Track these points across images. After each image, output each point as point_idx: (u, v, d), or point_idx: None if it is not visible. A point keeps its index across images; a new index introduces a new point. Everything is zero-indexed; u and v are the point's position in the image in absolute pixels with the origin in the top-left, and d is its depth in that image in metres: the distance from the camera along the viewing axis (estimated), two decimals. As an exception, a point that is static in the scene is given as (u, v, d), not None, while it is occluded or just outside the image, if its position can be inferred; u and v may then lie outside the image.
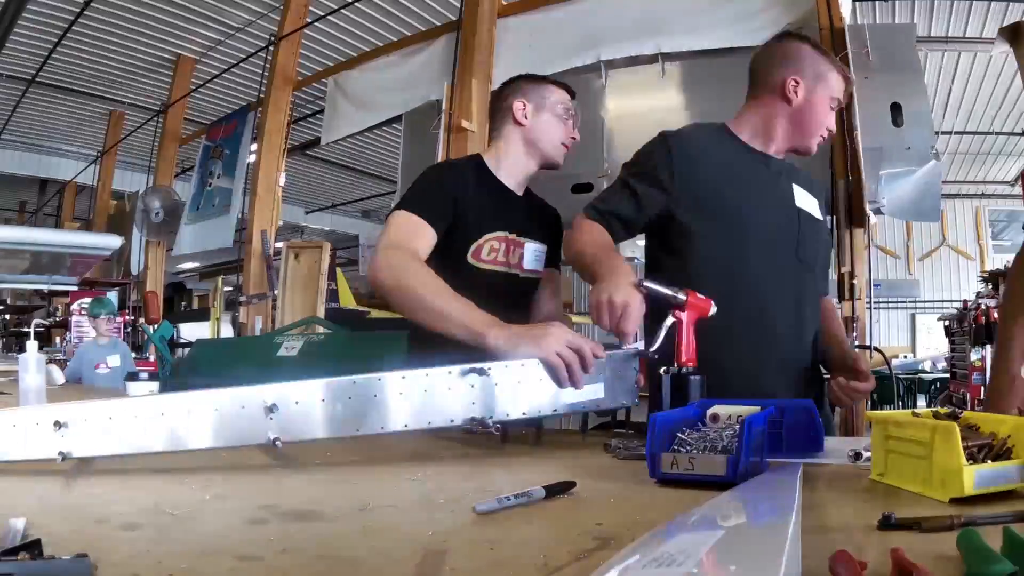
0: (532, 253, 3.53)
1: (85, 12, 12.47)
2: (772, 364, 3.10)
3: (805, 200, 3.28)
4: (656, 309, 2.69)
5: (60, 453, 1.98)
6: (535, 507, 1.71)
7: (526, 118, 3.56)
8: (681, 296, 2.64)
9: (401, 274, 2.97)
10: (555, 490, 1.74)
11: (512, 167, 3.59)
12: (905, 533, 1.38)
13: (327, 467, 2.19)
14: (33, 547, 1.28)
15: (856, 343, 6.20)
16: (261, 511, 1.73)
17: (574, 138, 3.60)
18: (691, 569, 0.98)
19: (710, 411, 2.15)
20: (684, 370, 2.62)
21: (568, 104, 3.57)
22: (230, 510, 1.79)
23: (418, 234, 3.17)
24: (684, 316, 2.63)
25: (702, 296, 2.69)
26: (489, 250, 3.39)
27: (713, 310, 2.71)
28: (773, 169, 3.29)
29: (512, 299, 3.40)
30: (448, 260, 3.21)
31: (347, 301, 13.15)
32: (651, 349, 2.63)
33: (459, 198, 3.34)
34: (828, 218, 3.38)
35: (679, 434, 2.08)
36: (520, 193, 3.63)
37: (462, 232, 3.33)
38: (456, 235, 3.31)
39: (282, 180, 11.56)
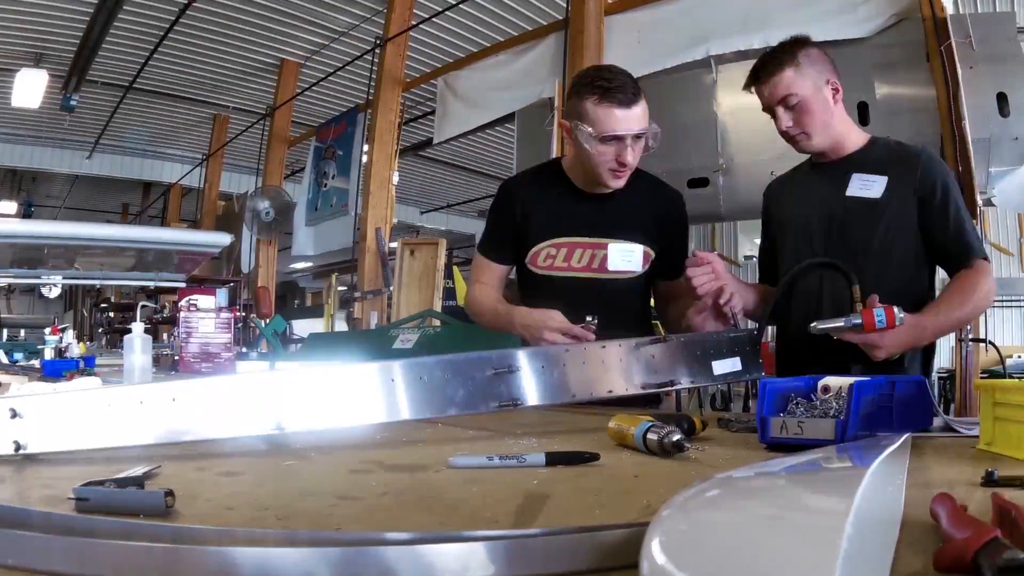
0: (619, 253, 3.56)
1: (181, 20, 12.71)
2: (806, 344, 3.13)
3: (863, 185, 3.35)
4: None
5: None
6: (648, 462, 1.82)
7: (569, 137, 3.47)
8: (857, 320, 2.77)
9: (474, 309, 3.84)
10: (559, 459, 1.79)
11: (579, 174, 3.61)
12: (1008, 490, 1.41)
13: (432, 442, 2.28)
14: (134, 481, 1.44)
15: (970, 336, 6.13)
16: (365, 464, 1.85)
17: (622, 163, 3.35)
18: (770, 494, 1.06)
19: (821, 383, 2.17)
20: None
21: (604, 130, 3.27)
22: (335, 463, 1.92)
23: (485, 273, 3.83)
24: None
25: (880, 307, 2.79)
26: (544, 256, 3.64)
27: (900, 316, 2.78)
28: (827, 172, 3.47)
29: (585, 301, 3.39)
30: (520, 267, 3.74)
31: (464, 299, 13.19)
32: None
33: (516, 220, 3.70)
34: (919, 192, 3.26)
35: (790, 403, 2.13)
36: (608, 190, 3.52)
37: (525, 240, 3.70)
38: (522, 243, 3.69)
39: (395, 179, 11.64)
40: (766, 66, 3.36)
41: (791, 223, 3.58)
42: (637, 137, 3.32)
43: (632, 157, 3.34)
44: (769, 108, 3.38)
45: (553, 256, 3.60)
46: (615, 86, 3.26)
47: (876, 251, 3.28)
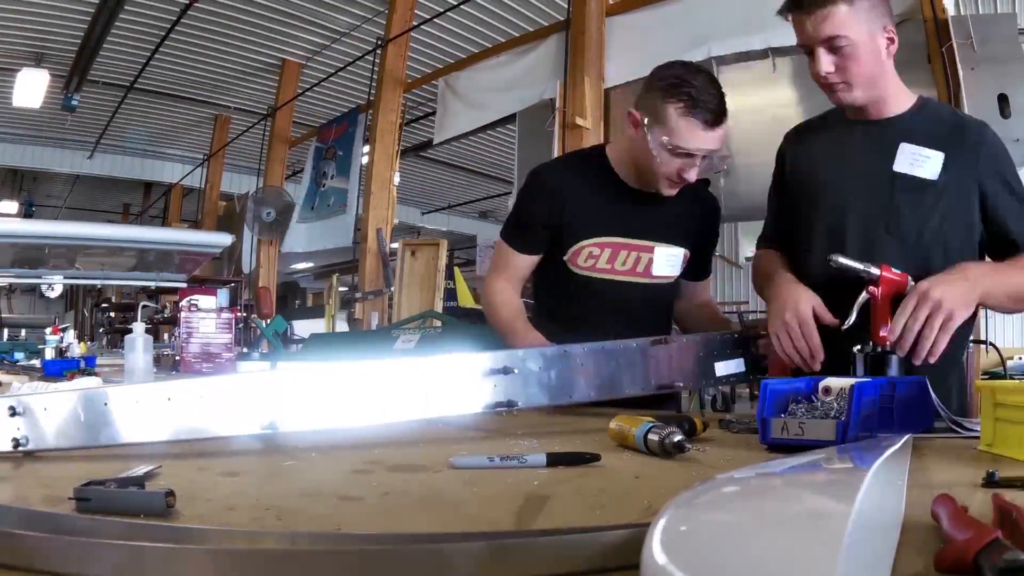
0: (664, 258, 3.42)
1: (182, 20, 12.73)
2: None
3: (912, 160, 2.85)
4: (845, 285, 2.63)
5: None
6: (650, 462, 1.83)
7: (635, 130, 3.22)
8: (874, 271, 2.56)
9: (491, 309, 3.54)
10: (560, 460, 1.80)
11: (630, 171, 3.39)
12: (1009, 491, 1.40)
13: (433, 442, 2.28)
14: (135, 481, 1.44)
15: (971, 338, 6.10)
16: (366, 464, 1.85)
17: (683, 178, 3.17)
18: (772, 497, 1.06)
19: (822, 383, 2.16)
20: (880, 348, 2.54)
21: (680, 143, 3.06)
22: (336, 463, 1.93)
23: (510, 263, 3.53)
24: (879, 292, 2.56)
25: (897, 272, 2.57)
26: (587, 256, 3.39)
27: (910, 285, 2.54)
28: (869, 133, 2.99)
29: (624, 306, 3.38)
30: (550, 263, 3.45)
31: (465, 300, 13.15)
32: (844, 327, 2.58)
33: (553, 211, 3.39)
34: (976, 172, 2.84)
35: (791, 404, 2.13)
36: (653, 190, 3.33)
37: (562, 236, 3.40)
38: (558, 238, 3.41)
39: (396, 180, 11.63)
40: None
41: (824, 189, 3.05)
42: (705, 156, 3.12)
43: (694, 175, 3.16)
44: (807, 46, 2.86)
45: (596, 256, 3.36)
46: (704, 100, 3.03)
47: (927, 244, 2.85)
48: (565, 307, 3.48)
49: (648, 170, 3.22)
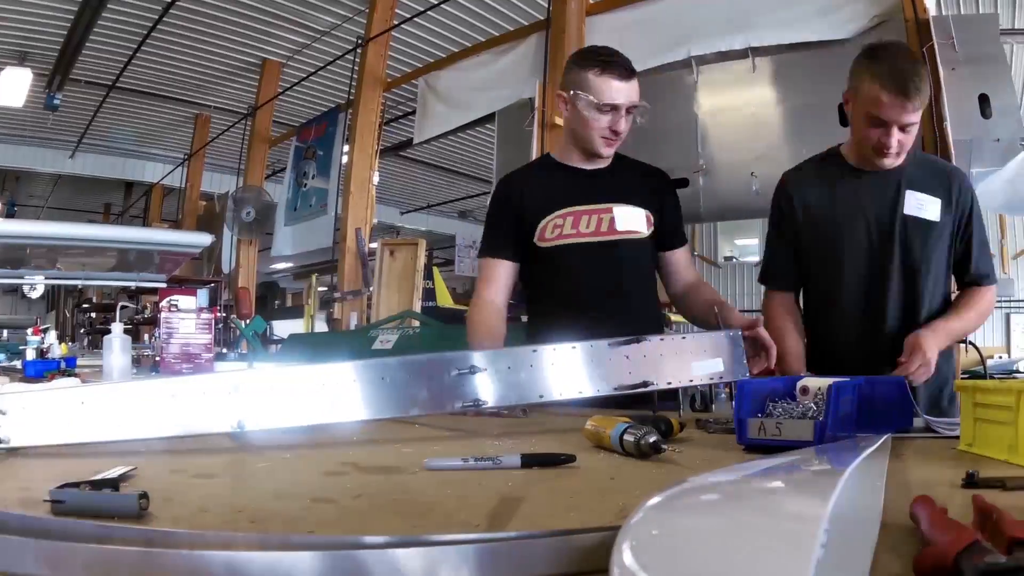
0: (626, 214, 3.66)
1: (164, 19, 12.64)
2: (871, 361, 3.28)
3: (918, 205, 3.48)
4: None
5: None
6: (625, 463, 1.82)
7: (566, 110, 3.67)
8: None
9: (468, 328, 3.69)
10: (535, 461, 1.79)
11: (572, 154, 3.76)
12: (989, 491, 1.39)
13: (408, 442, 2.26)
14: (110, 483, 1.44)
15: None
16: (340, 465, 1.84)
17: (616, 131, 3.57)
18: (747, 498, 1.04)
19: (800, 383, 2.16)
20: None
21: (601, 97, 3.49)
22: (309, 464, 1.91)
23: (491, 277, 3.75)
24: None
25: None
26: (552, 228, 3.67)
27: None
28: (874, 182, 3.54)
29: (600, 266, 3.65)
30: (526, 253, 3.72)
31: (444, 300, 13.15)
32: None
33: (517, 205, 3.75)
34: (957, 212, 3.52)
35: (769, 404, 2.12)
36: (600, 166, 3.74)
37: (527, 225, 3.71)
38: (525, 227, 3.68)
39: (376, 179, 11.59)
40: (917, 82, 3.29)
41: (842, 231, 3.60)
42: (629, 111, 3.53)
43: (624, 126, 3.56)
44: (888, 121, 3.30)
45: (560, 226, 3.66)
46: (614, 61, 3.52)
47: (931, 270, 3.52)
48: (548, 289, 3.76)
49: (585, 137, 3.62)
